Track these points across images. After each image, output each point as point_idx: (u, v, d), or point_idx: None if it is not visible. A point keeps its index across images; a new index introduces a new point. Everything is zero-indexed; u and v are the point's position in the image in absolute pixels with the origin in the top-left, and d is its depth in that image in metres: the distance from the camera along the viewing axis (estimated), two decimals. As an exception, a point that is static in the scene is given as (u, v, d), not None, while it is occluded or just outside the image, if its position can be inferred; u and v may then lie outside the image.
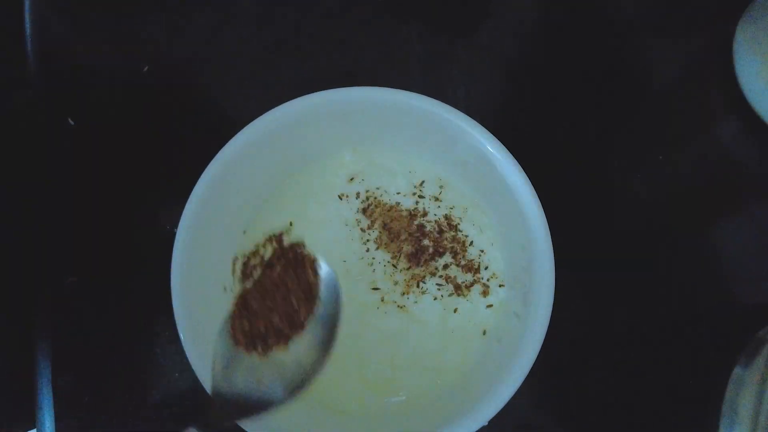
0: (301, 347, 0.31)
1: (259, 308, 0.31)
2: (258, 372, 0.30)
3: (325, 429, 0.37)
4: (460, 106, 0.36)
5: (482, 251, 0.40)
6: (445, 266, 0.40)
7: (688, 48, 0.46)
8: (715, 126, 0.45)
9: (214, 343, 0.31)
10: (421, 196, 0.41)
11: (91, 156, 0.46)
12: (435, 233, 0.40)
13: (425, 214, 0.40)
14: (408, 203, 0.41)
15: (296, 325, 0.31)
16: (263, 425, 0.33)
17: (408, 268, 0.40)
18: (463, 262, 0.40)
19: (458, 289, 0.39)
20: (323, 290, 0.31)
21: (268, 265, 0.32)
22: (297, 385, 0.30)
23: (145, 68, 0.47)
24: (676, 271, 0.43)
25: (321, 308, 0.31)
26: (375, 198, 0.41)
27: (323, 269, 0.32)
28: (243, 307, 0.31)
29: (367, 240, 0.40)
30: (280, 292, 0.31)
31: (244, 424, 0.31)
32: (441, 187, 0.41)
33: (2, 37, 0.48)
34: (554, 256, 0.34)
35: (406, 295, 0.39)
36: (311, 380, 0.31)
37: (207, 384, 0.33)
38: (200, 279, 0.36)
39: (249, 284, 0.32)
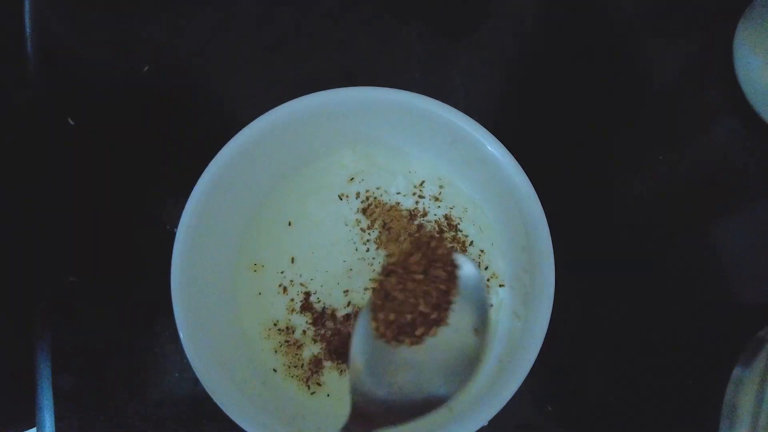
0: (453, 334, 0.29)
1: (403, 297, 0.29)
2: (408, 368, 0.28)
3: (325, 429, 0.37)
4: (460, 106, 0.36)
5: (482, 251, 0.40)
6: (445, 266, 0.40)
7: (688, 48, 0.46)
8: (715, 126, 0.45)
9: (352, 349, 0.29)
10: (421, 196, 0.41)
11: (91, 156, 0.46)
12: (435, 233, 0.40)
13: (425, 214, 0.40)
14: (408, 203, 0.41)
15: (442, 309, 0.29)
16: (262, 424, 0.33)
17: (408, 268, 0.40)
18: (463, 262, 0.40)
19: (458, 289, 0.39)
20: (464, 275, 0.29)
21: (405, 255, 0.30)
22: (461, 375, 0.28)
23: (145, 68, 0.47)
24: (676, 271, 0.43)
25: (463, 291, 0.29)
26: (375, 198, 0.41)
27: (459, 259, 0.30)
28: (384, 299, 0.29)
29: (367, 240, 0.40)
30: (421, 280, 0.29)
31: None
32: (441, 187, 0.41)
33: (2, 37, 0.48)
34: (554, 256, 0.34)
35: (406, 295, 0.39)
36: (476, 368, 0.29)
37: (207, 384, 0.33)
38: (200, 279, 0.36)
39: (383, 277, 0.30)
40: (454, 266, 0.29)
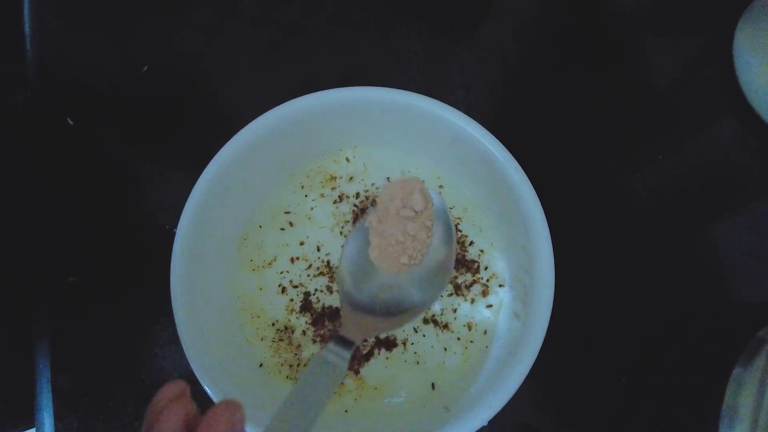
0: (426, 267, 0.33)
1: (394, 231, 0.33)
2: (390, 281, 0.32)
3: (325, 429, 0.37)
4: (460, 106, 0.36)
5: (482, 251, 0.40)
6: (445, 266, 0.40)
7: (688, 48, 0.46)
8: (715, 126, 0.45)
9: (342, 256, 0.33)
10: (421, 196, 0.41)
11: (90, 156, 0.46)
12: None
13: (425, 214, 0.40)
14: (408, 203, 0.41)
15: (425, 244, 0.33)
16: (262, 423, 0.33)
17: (408, 268, 0.40)
18: (462, 262, 0.40)
19: (458, 289, 0.39)
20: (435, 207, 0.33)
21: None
22: (435, 285, 0.32)
23: (145, 68, 0.47)
24: (676, 271, 0.43)
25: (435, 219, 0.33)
26: (375, 198, 0.41)
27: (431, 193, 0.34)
28: (380, 236, 0.33)
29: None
30: (404, 224, 0.33)
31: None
32: (441, 187, 0.41)
33: (2, 37, 0.48)
34: (554, 256, 0.34)
35: (406, 295, 0.39)
36: (444, 282, 0.32)
37: (207, 384, 0.33)
38: (200, 279, 0.36)
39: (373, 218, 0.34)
40: (429, 202, 0.33)
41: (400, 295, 0.32)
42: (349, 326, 0.30)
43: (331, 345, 0.28)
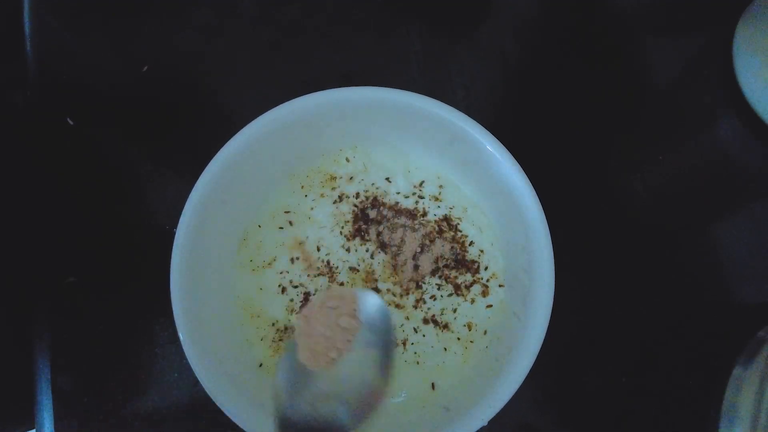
0: (359, 368, 0.32)
1: (321, 328, 0.33)
2: (322, 398, 0.32)
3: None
4: (460, 106, 0.36)
5: (482, 251, 0.40)
6: (445, 266, 0.40)
7: (688, 48, 0.46)
8: (715, 126, 0.45)
9: (277, 372, 0.32)
10: (421, 197, 0.41)
11: (90, 156, 0.46)
12: (435, 233, 0.40)
13: (425, 214, 0.40)
14: (408, 203, 0.41)
15: (349, 342, 0.33)
16: (262, 423, 0.33)
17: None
18: (462, 262, 0.40)
19: (458, 289, 0.39)
20: (371, 316, 0.33)
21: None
22: (362, 409, 0.31)
23: (145, 68, 0.46)
24: (676, 271, 0.43)
25: (367, 330, 0.33)
26: (375, 198, 0.41)
27: (370, 301, 0.33)
28: (307, 337, 0.33)
29: (367, 240, 0.40)
30: (331, 316, 0.33)
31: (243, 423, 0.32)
32: (441, 187, 0.41)
33: (2, 37, 0.48)
34: (554, 256, 0.34)
35: (405, 296, 0.39)
36: (376, 405, 0.32)
37: (206, 384, 0.33)
38: (200, 279, 0.36)
39: (306, 311, 0.34)
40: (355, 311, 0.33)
41: (331, 406, 0.31)
42: None
43: None
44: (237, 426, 0.33)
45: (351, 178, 0.41)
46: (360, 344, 0.32)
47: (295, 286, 0.40)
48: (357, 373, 0.32)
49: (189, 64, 0.47)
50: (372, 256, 0.40)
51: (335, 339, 0.32)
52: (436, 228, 0.40)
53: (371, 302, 0.33)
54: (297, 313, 0.36)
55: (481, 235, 0.40)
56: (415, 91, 0.36)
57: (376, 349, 0.33)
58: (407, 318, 0.39)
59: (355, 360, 0.32)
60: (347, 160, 0.41)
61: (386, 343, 0.33)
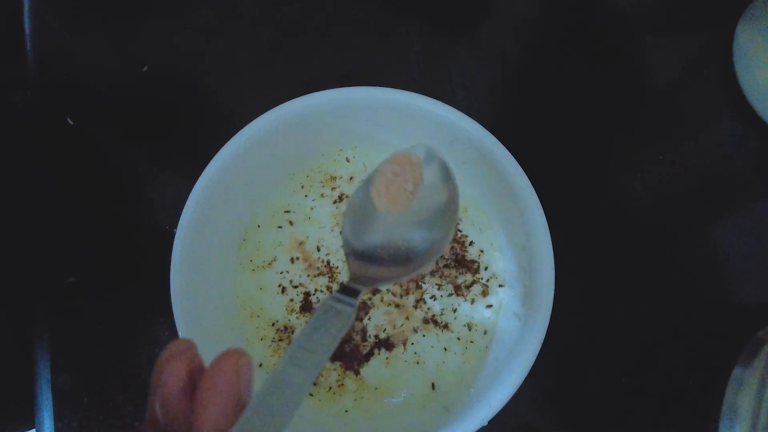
0: (427, 197, 0.32)
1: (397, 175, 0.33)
2: (396, 226, 0.32)
3: (325, 429, 0.37)
4: (460, 106, 0.36)
5: (482, 251, 0.40)
6: (445, 266, 0.40)
7: (688, 48, 0.46)
8: (715, 126, 0.45)
9: (346, 208, 0.33)
10: (421, 196, 0.41)
11: (90, 156, 0.46)
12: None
13: (425, 214, 0.40)
14: (408, 203, 0.41)
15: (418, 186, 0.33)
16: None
17: (408, 268, 0.40)
18: (462, 262, 0.40)
19: (458, 290, 0.39)
20: (434, 175, 0.33)
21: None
22: (439, 228, 0.31)
23: (145, 68, 0.46)
24: (676, 271, 0.43)
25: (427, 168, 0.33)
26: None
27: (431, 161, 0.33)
28: (388, 174, 0.33)
29: (367, 240, 0.40)
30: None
31: None
32: (441, 187, 0.41)
33: (2, 37, 0.48)
34: (554, 256, 0.34)
35: (405, 296, 0.39)
36: (453, 222, 0.32)
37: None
38: (200, 279, 0.36)
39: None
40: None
41: (406, 243, 0.31)
42: (355, 275, 0.30)
43: (337, 294, 0.27)
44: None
45: (351, 178, 0.41)
46: (422, 197, 0.32)
47: (295, 286, 0.40)
48: (427, 201, 0.32)
49: (189, 64, 0.47)
50: (372, 256, 0.40)
51: (407, 178, 0.32)
52: (436, 228, 0.40)
53: (432, 161, 0.33)
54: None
55: (481, 235, 0.40)
56: (415, 91, 0.36)
57: (435, 169, 0.33)
58: (407, 318, 0.39)
59: (417, 210, 0.32)
60: (347, 160, 0.41)
61: (442, 166, 0.33)
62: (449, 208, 0.32)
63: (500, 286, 0.39)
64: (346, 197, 0.41)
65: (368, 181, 0.33)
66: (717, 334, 0.42)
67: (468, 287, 0.39)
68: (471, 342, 0.39)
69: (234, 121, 0.36)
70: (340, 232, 0.31)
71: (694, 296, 0.43)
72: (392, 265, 0.31)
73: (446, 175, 0.32)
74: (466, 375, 0.38)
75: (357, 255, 0.31)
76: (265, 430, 0.19)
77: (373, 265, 0.31)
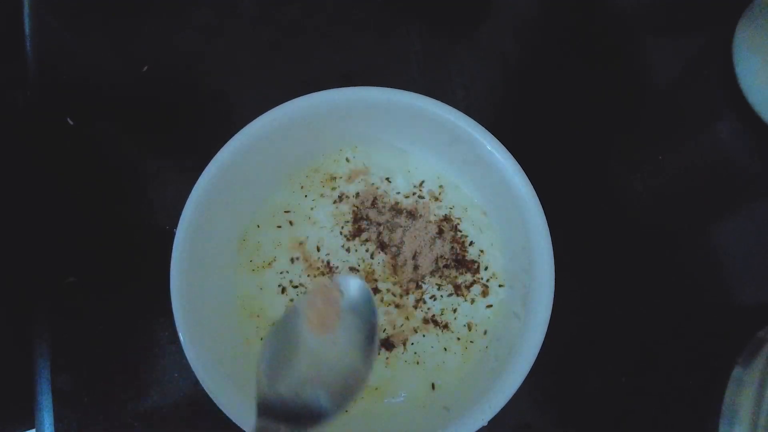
0: (342, 351, 0.33)
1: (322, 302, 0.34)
2: (303, 380, 0.32)
3: (325, 429, 0.37)
4: (460, 106, 0.36)
5: (482, 251, 0.40)
6: (445, 266, 0.40)
7: (688, 48, 0.46)
8: (715, 126, 0.45)
9: (261, 355, 0.33)
10: (421, 197, 0.41)
11: (90, 156, 0.46)
12: (435, 233, 0.40)
13: (425, 214, 0.40)
14: (408, 203, 0.41)
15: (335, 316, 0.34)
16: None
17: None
18: (462, 262, 0.40)
19: (458, 289, 0.39)
20: (354, 299, 0.34)
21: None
22: (341, 394, 0.32)
23: (145, 68, 0.46)
24: (675, 272, 0.43)
25: (350, 313, 0.34)
26: (375, 198, 0.41)
27: (352, 284, 0.35)
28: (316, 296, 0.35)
29: (367, 240, 0.40)
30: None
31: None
32: (441, 187, 0.41)
33: (2, 37, 0.48)
34: (554, 256, 0.34)
35: (405, 296, 0.39)
36: (357, 392, 0.32)
37: (206, 384, 0.33)
38: (200, 279, 0.36)
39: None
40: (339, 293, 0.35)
41: (314, 396, 0.32)
42: (265, 420, 0.30)
43: None
44: (237, 426, 0.33)
45: (351, 177, 0.41)
46: (343, 327, 0.33)
47: (295, 286, 0.40)
48: (339, 357, 0.33)
49: (189, 64, 0.47)
50: (372, 256, 0.40)
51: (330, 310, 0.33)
52: (436, 228, 0.40)
53: (353, 285, 0.34)
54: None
55: (481, 235, 0.40)
56: (415, 91, 0.36)
57: (359, 332, 0.33)
58: (407, 318, 0.39)
59: (338, 342, 0.33)
60: (347, 160, 0.41)
61: (369, 325, 0.33)
62: (360, 375, 0.32)
63: (500, 286, 0.39)
64: (346, 197, 0.41)
65: (287, 319, 0.34)
66: (717, 334, 0.42)
67: (468, 287, 0.39)
68: (471, 342, 0.39)
69: (234, 121, 0.36)
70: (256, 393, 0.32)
71: (694, 296, 0.43)
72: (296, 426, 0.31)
73: (370, 340, 0.33)
74: (466, 375, 0.38)
75: (269, 411, 0.31)
76: None
77: (280, 424, 0.30)
